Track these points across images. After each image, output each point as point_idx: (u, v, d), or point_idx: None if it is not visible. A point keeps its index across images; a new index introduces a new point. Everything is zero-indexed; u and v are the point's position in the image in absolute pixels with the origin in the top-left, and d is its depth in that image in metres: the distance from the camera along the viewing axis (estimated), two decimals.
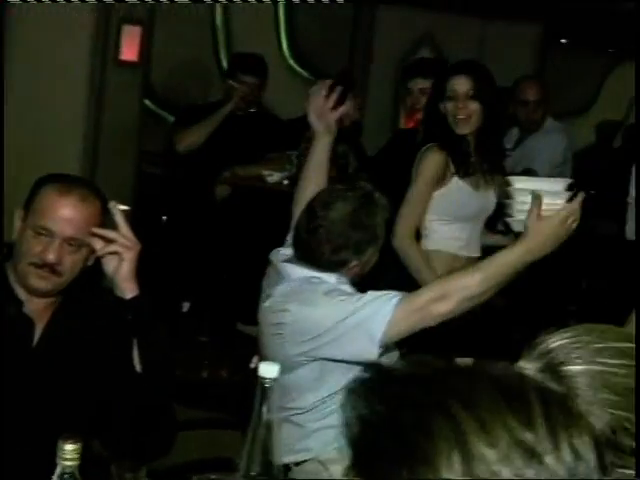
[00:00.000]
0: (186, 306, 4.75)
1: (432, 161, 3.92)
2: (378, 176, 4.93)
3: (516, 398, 0.96)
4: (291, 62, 7.94)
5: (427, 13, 7.94)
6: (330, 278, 2.85)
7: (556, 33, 8.28)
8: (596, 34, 8.34)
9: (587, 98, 9.85)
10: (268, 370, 2.03)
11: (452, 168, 3.93)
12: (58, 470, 1.74)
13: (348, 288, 2.86)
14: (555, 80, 7.81)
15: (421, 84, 4.82)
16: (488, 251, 4.00)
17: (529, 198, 3.33)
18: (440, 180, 3.93)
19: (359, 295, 2.75)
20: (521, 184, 3.48)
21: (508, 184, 3.69)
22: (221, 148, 5.32)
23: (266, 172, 5.29)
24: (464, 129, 3.92)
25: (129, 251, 2.45)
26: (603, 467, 0.96)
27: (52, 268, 2.40)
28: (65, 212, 2.40)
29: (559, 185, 3.48)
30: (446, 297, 2.61)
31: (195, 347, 4.46)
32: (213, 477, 1.99)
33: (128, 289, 2.45)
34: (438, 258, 3.97)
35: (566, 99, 8.45)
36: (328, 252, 2.81)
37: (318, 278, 2.83)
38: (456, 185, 3.95)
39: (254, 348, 3.10)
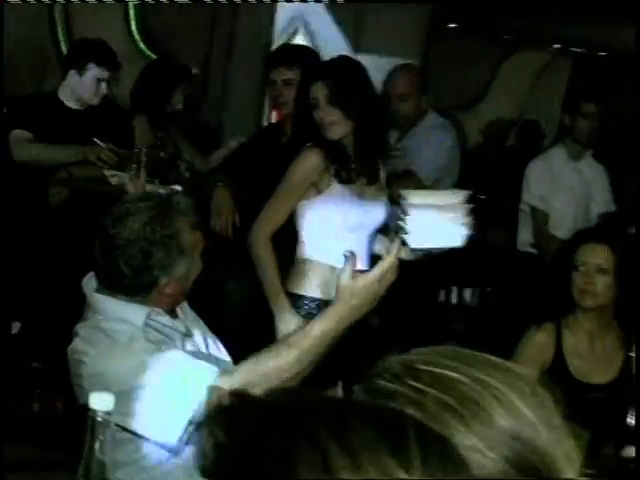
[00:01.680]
0: (16, 327, 4.69)
1: (307, 162, 4.02)
2: (240, 174, 5.00)
3: (392, 435, 0.97)
4: (142, 46, 7.88)
5: None
6: (139, 314, 2.77)
7: (443, 16, 8.37)
8: (489, 18, 8.46)
9: (478, 91, 9.98)
10: (100, 401, 1.98)
11: (332, 172, 4.02)
12: None
13: (165, 321, 2.82)
14: (441, 70, 7.94)
15: (285, 74, 4.84)
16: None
17: (425, 213, 3.52)
18: (317, 184, 4.02)
19: (168, 353, 2.70)
20: (416, 199, 3.66)
21: (403, 198, 3.86)
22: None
23: (108, 172, 5.21)
24: (333, 135, 4.03)
25: None
26: None
27: None
28: None
29: (457, 198, 3.67)
30: (260, 384, 2.54)
31: (26, 374, 4.41)
32: None
33: None
34: (314, 268, 4.07)
35: (454, 92, 8.61)
36: (130, 276, 2.75)
37: (121, 319, 2.76)
38: (336, 191, 4.03)
39: None
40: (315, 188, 4.02)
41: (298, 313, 4.00)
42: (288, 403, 1.02)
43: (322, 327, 2.66)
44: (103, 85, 5.39)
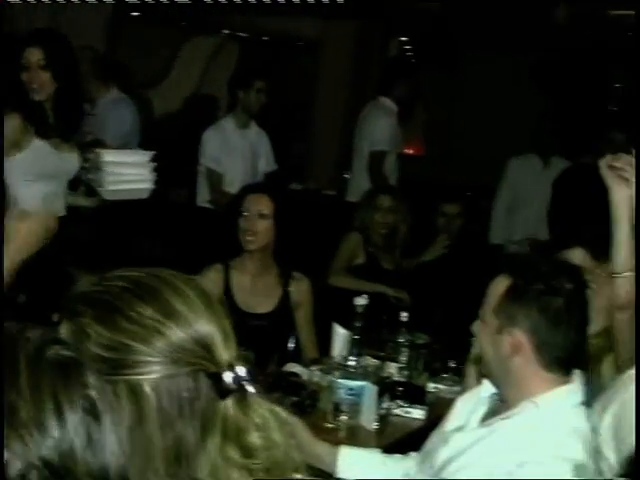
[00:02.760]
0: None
1: (8, 126, 3.99)
2: None
3: (8, 357, 1.00)
4: None
5: None
6: None
7: (127, 6, 8.31)
8: (167, 8, 8.46)
9: (162, 70, 9.99)
10: None
11: (31, 131, 4.04)
12: None
13: None
14: (128, 54, 7.85)
15: None
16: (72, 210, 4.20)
17: (118, 169, 3.62)
18: (19, 143, 4.02)
19: None
20: (110, 157, 3.77)
21: (97, 156, 3.88)
22: None
23: None
24: (37, 96, 4.06)
25: None
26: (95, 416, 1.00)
27: None
28: None
29: (144, 157, 3.89)
30: None
31: None
32: None
33: None
34: (27, 217, 4.08)
35: (140, 72, 8.51)
36: None
37: None
38: (36, 145, 4.06)
39: None
40: (17, 147, 4.02)
41: None
42: None
43: None
44: None
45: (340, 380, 3.21)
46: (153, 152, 4.01)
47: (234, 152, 6.03)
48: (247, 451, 1.21)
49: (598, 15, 7.04)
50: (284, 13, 7.38)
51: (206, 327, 1.23)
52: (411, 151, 9.39)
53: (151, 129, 6.33)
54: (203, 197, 6.10)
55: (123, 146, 5.38)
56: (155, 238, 5.80)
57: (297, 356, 3.83)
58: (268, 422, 1.23)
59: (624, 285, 2.60)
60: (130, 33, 8.49)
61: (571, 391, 2.29)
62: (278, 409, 1.26)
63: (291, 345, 3.95)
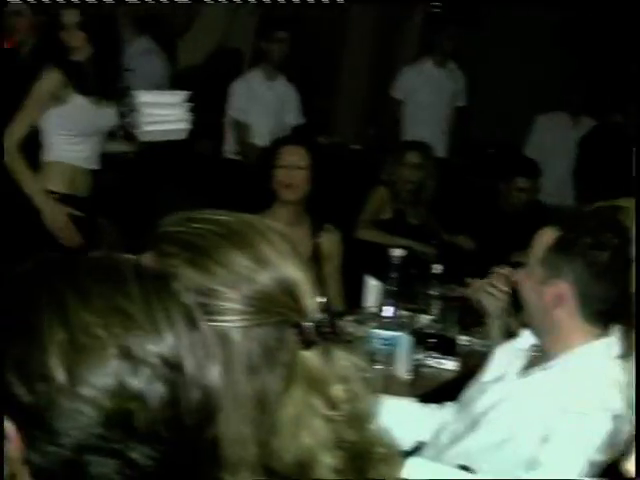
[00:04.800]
0: None
1: (46, 81, 4.13)
2: None
3: (114, 273, 1.02)
4: None
5: None
6: None
7: None
8: None
9: (185, 22, 9.90)
10: None
11: (70, 87, 4.15)
12: None
13: None
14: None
15: (16, 7, 4.74)
16: (107, 158, 4.33)
17: (154, 110, 3.69)
18: (58, 98, 4.14)
19: None
20: (146, 98, 3.87)
21: (133, 98, 3.97)
22: None
23: None
24: (76, 56, 4.17)
25: None
26: (196, 328, 1.03)
27: None
28: None
29: (179, 97, 4.01)
30: None
31: None
32: None
33: None
34: (58, 168, 4.22)
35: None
36: None
37: None
38: (75, 101, 4.17)
39: None
40: (58, 100, 4.14)
41: None
42: (32, 265, 1.05)
43: None
44: None
45: (375, 330, 3.25)
46: (187, 92, 4.07)
47: (261, 104, 6.04)
48: (330, 402, 1.21)
49: None
50: None
51: (294, 276, 1.23)
52: None
53: (175, 80, 6.33)
54: (229, 148, 6.12)
55: None
56: (181, 188, 5.81)
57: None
58: (351, 374, 1.24)
59: None
60: None
61: (610, 344, 2.32)
62: (359, 360, 1.27)
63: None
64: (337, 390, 1.22)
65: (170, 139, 4.02)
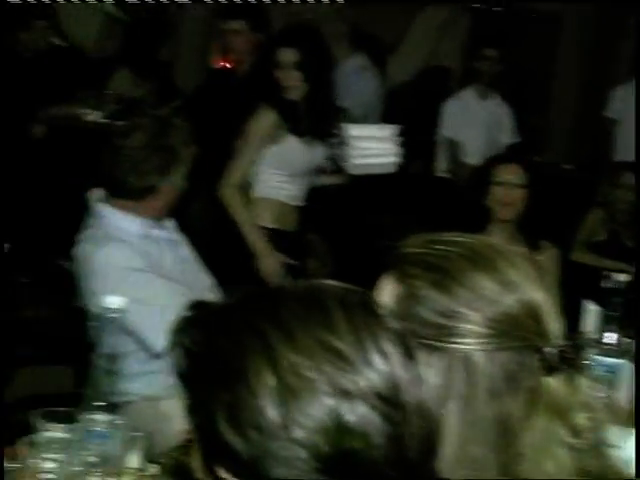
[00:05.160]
0: (7, 247, 4.63)
1: (262, 121, 4.09)
2: (195, 114, 4.96)
3: (317, 306, 0.99)
4: None
5: None
6: (136, 223, 2.89)
7: None
8: None
9: (395, 40, 9.93)
10: (113, 302, 1.97)
11: (284, 127, 4.11)
12: None
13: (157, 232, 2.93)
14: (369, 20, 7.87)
15: (234, 25, 4.81)
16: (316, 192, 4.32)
17: (364, 143, 3.81)
18: (272, 138, 4.11)
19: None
20: (356, 131, 3.88)
21: (343, 131, 3.98)
22: (30, 87, 5.16)
23: (82, 111, 5.19)
24: (291, 95, 4.12)
25: None
26: (410, 356, 1.00)
27: None
28: None
29: (389, 131, 3.95)
30: None
31: (16, 287, 4.36)
32: (59, 410, 1.93)
33: None
34: (266, 204, 4.19)
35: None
36: (133, 180, 2.85)
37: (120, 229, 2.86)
38: (290, 143, 4.13)
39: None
40: (272, 140, 4.11)
41: None
42: (234, 303, 1.04)
43: None
44: None
45: (597, 357, 3.15)
46: (398, 126, 4.05)
47: (474, 123, 6.01)
48: (574, 430, 1.19)
49: None
50: None
51: (538, 299, 1.22)
52: None
53: (386, 99, 6.35)
54: (441, 167, 6.11)
55: (363, 115, 5.39)
56: (394, 210, 5.84)
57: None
58: (594, 401, 1.22)
59: None
60: None
61: None
62: (601, 388, 1.24)
63: None
64: (581, 418, 1.20)
65: (378, 173, 4.01)
